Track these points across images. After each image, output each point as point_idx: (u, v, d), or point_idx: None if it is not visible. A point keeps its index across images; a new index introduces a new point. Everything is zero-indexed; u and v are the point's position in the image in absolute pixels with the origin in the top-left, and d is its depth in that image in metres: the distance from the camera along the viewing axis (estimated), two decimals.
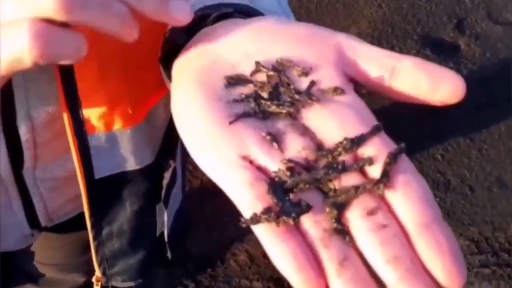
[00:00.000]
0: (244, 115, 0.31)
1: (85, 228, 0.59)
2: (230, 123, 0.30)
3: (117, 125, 0.45)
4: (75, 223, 0.58)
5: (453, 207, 1.49)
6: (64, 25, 0.30)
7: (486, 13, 1.88)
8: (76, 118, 0.42)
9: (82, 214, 0.55)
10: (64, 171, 0.49)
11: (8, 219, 0.52)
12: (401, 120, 1.54)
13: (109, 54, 0.41)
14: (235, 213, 0.29)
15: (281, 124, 0.31)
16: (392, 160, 0.29)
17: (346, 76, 0.33)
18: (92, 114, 0.43)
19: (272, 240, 0.27)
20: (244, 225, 0.27)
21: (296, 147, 0.30)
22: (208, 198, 1.40)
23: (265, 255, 1.51)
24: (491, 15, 1.86)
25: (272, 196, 0.28)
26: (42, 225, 0.55)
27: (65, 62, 0.31)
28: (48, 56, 0.30)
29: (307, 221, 0.28)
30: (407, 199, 0.28)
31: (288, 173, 0.29)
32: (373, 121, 0.31)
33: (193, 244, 1.40)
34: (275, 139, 0.30)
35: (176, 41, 0.38)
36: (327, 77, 0.32)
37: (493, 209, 1.51)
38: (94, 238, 0.53)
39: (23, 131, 0.43)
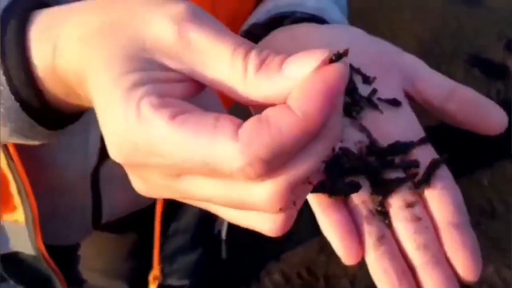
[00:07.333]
0: None
1: (135, 230, 0.61)
2: None
3: None
4: (126, 225, 0.62)
5: (497, 234, 1.44)
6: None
7: None
8: None
9: (134, 214, 0.59)
10: None
11: (78, 213, 0.55)
12: (449, 145, 1.50)
13: None
14: None
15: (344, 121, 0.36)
16: (434, 166, 0.35)
17: (405, 91, 0.38)
18: None
19: (322, 211, 0.33)
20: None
21: (353, 139, 0.36)
22: None
23: (299, 276, 1.46)
24: None
25: (329, 173, 0.34)
26: (103, 221, 0.58)
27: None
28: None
29: (355, 199, 0.33)
30: (443, 201, 0.33)
31: (345, 159, 0.35)
32: (422, 133, 0.37)
33: (228, 259, 1.38)
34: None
35: (257, 36, 0.42)
36: (388, 89, 0.38)
37: None
38: (161, 234, 0.56)
39: None
